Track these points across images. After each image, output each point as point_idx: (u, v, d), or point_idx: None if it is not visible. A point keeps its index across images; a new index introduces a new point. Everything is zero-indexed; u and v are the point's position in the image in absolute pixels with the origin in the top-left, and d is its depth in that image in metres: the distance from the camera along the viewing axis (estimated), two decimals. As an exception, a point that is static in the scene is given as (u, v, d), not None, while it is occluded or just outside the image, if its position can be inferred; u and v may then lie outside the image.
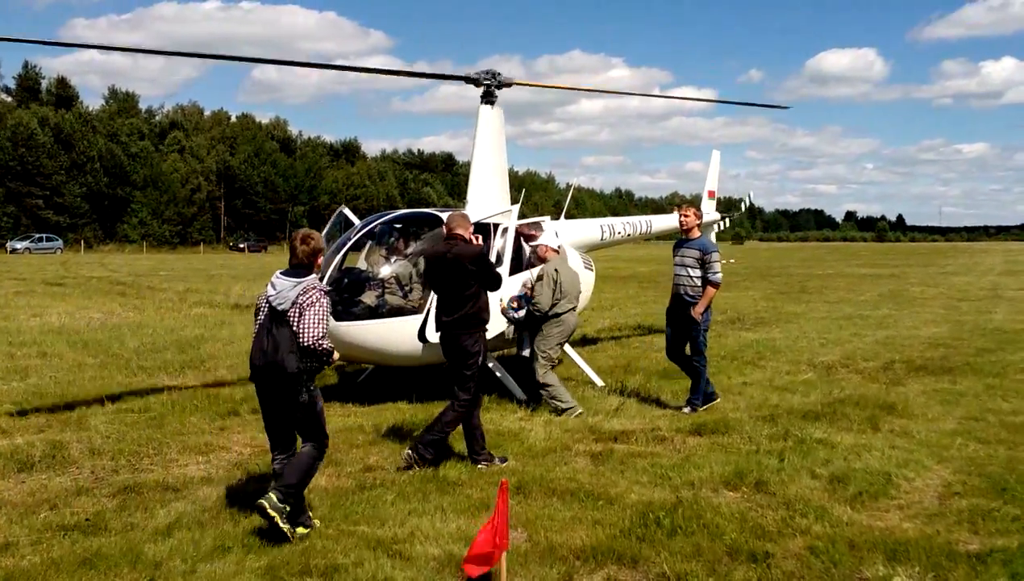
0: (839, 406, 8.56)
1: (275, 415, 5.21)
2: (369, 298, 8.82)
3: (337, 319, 8.32)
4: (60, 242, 65.22)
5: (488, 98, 9.98)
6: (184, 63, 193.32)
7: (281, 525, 4.85)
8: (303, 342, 4.98)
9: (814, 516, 5.39)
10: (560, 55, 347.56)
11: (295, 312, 5.01)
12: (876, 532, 5.15)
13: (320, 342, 5.01)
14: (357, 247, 9.45)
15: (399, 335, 8.30)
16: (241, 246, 76.30)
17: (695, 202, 17.25)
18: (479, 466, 6.48)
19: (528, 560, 4.70)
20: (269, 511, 4.83)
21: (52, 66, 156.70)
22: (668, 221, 15.04)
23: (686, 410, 8.32)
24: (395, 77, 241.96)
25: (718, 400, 8.68)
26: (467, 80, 9.95)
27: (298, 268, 5.16)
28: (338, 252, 9.04)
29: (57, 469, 6.40)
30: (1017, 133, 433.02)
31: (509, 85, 10.09)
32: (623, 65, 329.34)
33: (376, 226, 9.40)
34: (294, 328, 4.99)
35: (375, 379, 9.80)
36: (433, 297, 8.17)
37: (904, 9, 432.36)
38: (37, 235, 64.68)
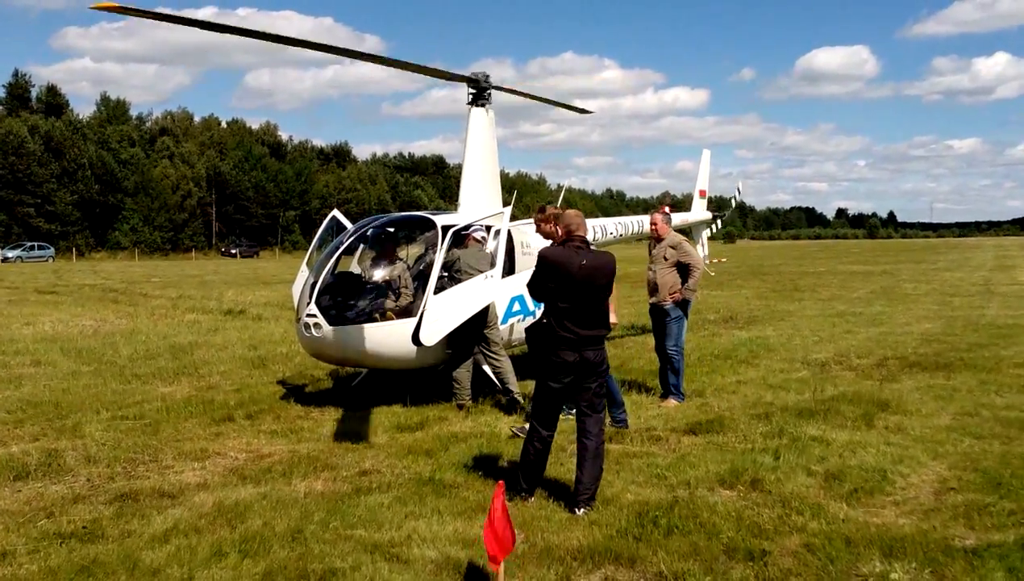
0: (833, 403, 8.57)
1: None
2: (363, 302, 8.80)
3: (331, 324, 8.32)
4: (52, 250, 64.90)
5: (479, 100, 9.99)
6: (177, 71, 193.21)
7: None
8: None
9: (810, 513, 5.40)
10: (552, 57, 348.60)
11: None
12: (872, 528, 5.16)
13: None
14: (350, 251, 9.44)
15: (394, 339, 8.29)
16: (233, 251, 76.13)
17: (686, 202, 17.36)
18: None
19: (525, 561, 4.70)
20: None
21: (43, 75, 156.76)
22: None
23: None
24: (387, 82, 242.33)
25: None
26: (459, 79, 9.96)
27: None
28: (331, 256, 9.04)
29: (53, 477, 6.37)
30: (1008, 128, 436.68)
31: (493, 89, 10.08)
32: (616, 66, 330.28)
33: (369, 230, 9.39)
34: None
35: (369, 383, 9.78)
36: (428, 299, 8.16)
37: (895, 6, 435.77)
38: (29, 243, 64.34)
